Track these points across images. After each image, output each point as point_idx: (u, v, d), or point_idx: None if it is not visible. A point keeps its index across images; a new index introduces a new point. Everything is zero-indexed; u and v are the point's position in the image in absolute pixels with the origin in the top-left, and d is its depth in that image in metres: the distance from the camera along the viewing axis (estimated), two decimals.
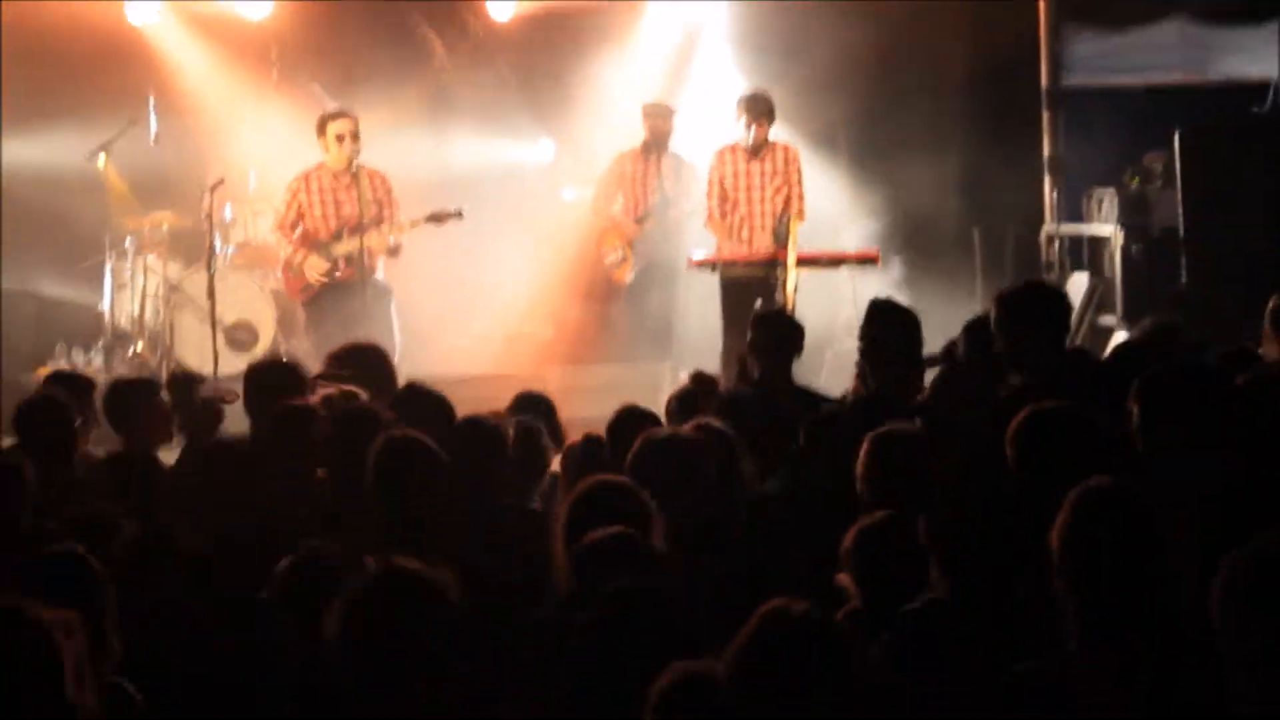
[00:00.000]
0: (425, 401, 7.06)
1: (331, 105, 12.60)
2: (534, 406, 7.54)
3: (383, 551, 5.27)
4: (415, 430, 6.00)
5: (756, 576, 5.13)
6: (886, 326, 7.50)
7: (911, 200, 14.37)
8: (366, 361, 7.96)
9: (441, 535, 5.65)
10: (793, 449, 6.57)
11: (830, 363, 12.49)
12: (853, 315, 11.92)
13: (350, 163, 12.01)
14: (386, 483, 5.71)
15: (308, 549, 5.01)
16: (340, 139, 11.99)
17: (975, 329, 7.52)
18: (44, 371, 11.56)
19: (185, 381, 8.63)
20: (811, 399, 7.76)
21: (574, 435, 7.63)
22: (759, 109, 12.49)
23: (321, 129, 12.08)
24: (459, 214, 12.12)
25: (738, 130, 12.55)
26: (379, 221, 12.02)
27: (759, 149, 12.51)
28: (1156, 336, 8.23)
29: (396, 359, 9.25)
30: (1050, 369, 6.57)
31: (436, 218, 12.05)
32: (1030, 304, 6.84)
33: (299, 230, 12.14)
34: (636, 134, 13.48)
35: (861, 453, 5.71)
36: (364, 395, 7.17)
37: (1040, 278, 8.68)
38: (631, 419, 6.82)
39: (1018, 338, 6.74)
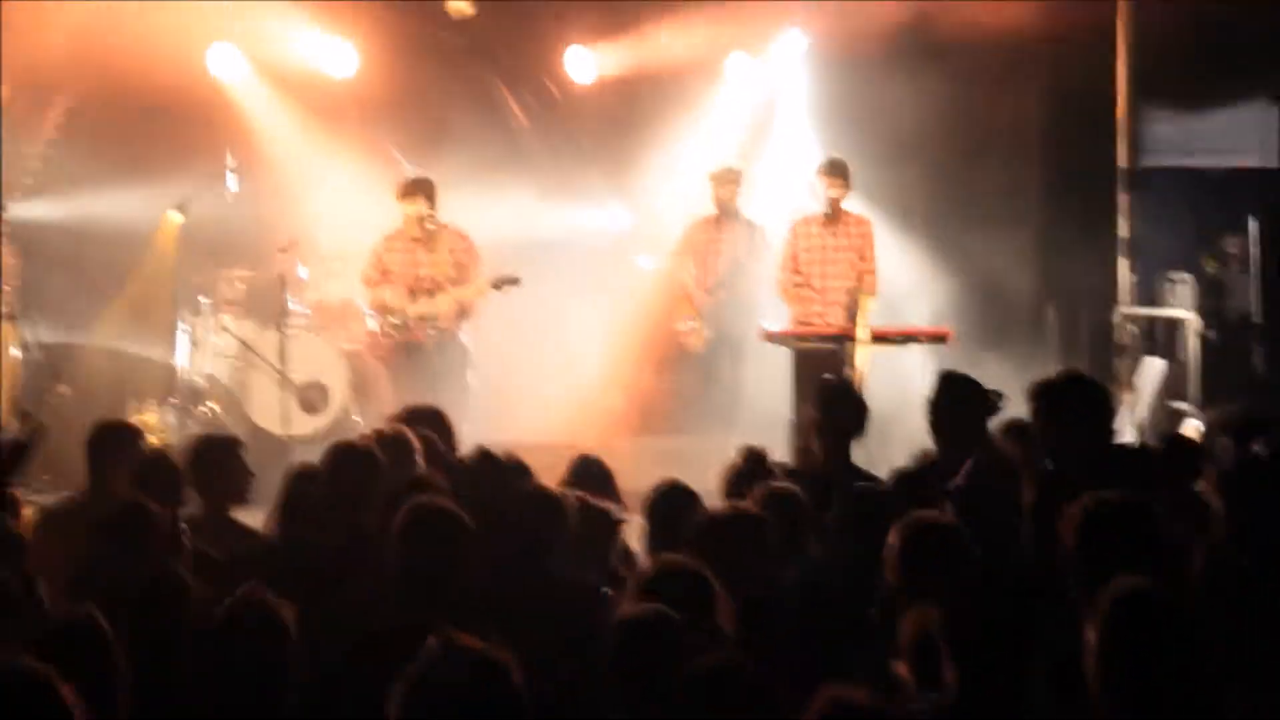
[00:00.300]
0: (493, 469, 7.08)
1: (409, 170, 12.68)
2: (592, 475, 7.45)
3: (407, 617, 5.34)
4: (444, 498, 6.01)
5: (810, 658, 5.10)
6: (953, 398, 7.43)
7: (985, 276, 14.32)
8: (425, 423, 7.99)
9: (488, 605, 5.65)
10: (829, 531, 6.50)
11: (900, 440, 12.42)
12: (923, 392, 11.86)
13: (425, 231, 12.22)
14: (409, 548, 5.72)
15: (247, 593, 5.00)
16: (409, 217, 12.26)
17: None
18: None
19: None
20: (865, 481, 7.70)
21: (637, 508, 7.60)
22: (835, 172, 12.60)
23: (399, 199, 12.31)
24: (517, 281, 12.25)
25: (815, 198, 12.61)
26: (457, 283, 12.21)
27: (834, 215, 12.57)
28: (1234, 427, 8.11)
29: (466, 422, 9.29)
30: (1089, 462, 6.39)
31: (497, 284, 12.21)
32: (1068, 397, 6.67)
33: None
34: (710, 202, 13.53)
35: (891, 540, 5.61)
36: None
37: (1078, 369, 8.49)
38: (671, 496, 6.80)
39: (1056, 431, 6.59)
